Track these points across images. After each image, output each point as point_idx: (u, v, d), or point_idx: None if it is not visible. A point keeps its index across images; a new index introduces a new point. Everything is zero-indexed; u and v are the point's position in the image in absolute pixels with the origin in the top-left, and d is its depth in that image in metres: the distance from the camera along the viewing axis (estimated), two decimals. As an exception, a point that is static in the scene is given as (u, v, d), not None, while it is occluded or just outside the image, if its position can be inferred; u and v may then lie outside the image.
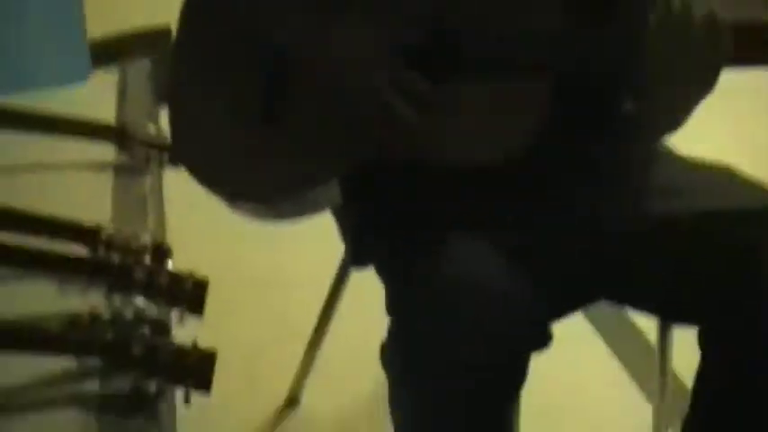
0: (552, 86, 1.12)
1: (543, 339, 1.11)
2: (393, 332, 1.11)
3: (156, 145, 2.48)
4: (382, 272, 1.25)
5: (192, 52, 1.25)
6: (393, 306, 1.14)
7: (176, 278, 1.73)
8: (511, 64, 1.12)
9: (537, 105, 1.13)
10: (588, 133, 1.21)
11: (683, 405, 1.26)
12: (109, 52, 3.21)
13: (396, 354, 1.10)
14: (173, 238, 2.12)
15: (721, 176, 1.25)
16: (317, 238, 1.55)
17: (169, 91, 1.26)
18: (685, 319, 1.23)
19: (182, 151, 1.24)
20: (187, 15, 1.25)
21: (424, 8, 1.14)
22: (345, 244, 1.43)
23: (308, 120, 1.18)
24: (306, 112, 1.18)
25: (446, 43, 1.14)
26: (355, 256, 1.39)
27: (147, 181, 2.46)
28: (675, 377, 1.50)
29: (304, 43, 1.16)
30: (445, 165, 1.15)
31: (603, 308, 1.32)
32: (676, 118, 1.17)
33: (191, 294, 1.73)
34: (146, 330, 1.60)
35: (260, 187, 1.19)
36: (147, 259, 1.77)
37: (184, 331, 1.70)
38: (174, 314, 1.73)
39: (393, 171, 1.20)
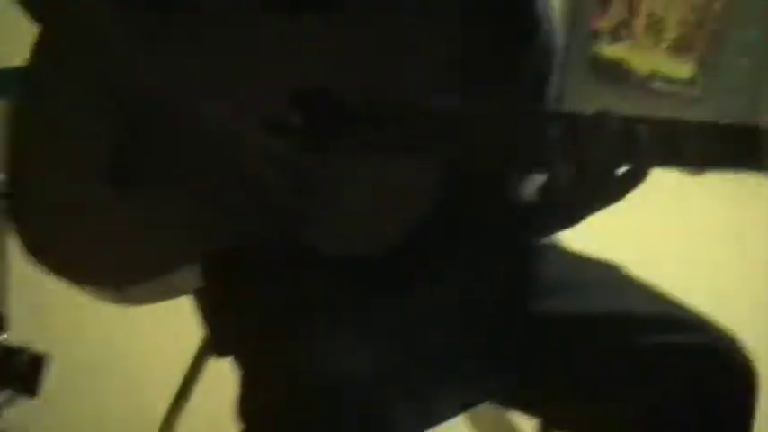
0: (441, 171, 1.07)
1: None
2: None
3: (2, 197, 2.31)
4: (240, 366, 1.14)
5: (39, 100, 1.15)
6: (245, 408, 1.04)
7: (9, 353, 1.58)
8: (394, 142, 1.07)
9: (422, 192, 1.07)
10: (475, 223, 1.17)
11: None
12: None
13: None
14: (11, 307, 1.96)
15: (608, 274, 1.24)
16: (174, 310, 1.43)
17: (7, 150, 1.12)
18: (569, 429, 1.20)
19: (17, 223, 1.15)
20: (37, 58, 1.14)
21: (301, 79, 1.08)
22: (204, 330, 1.31)
23: (169, 196, 1.09)
24: (166, 188, 1.09)
25: (326, 115, 1.08)
26: (214, 346, 1.29)
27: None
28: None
29: (170, 112, 1.08)
30: (320, 250, 1.08)
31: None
32: (574, 217, 1.11)
33: (25, 372, 1.58)
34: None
35: (108, 272, 1.10)
36: (-22, 331, 1.61)
37: (16, 414, 1.56)
38: (5, 394, 1.58)
39: (261, 254, 1.11)
